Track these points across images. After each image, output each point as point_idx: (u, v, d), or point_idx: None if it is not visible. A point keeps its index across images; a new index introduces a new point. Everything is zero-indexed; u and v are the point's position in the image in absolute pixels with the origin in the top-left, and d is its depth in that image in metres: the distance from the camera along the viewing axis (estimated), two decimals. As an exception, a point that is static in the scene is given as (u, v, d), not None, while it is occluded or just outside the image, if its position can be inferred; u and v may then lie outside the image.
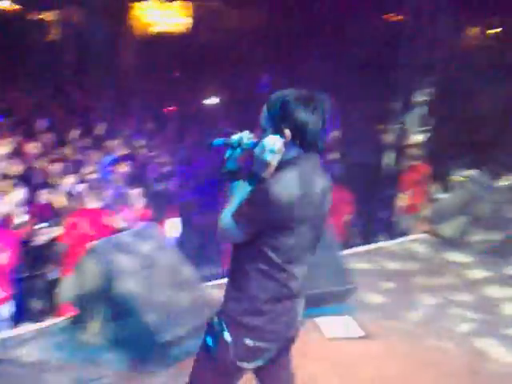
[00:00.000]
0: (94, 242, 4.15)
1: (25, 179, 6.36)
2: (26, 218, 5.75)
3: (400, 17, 10.81)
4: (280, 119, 2.21)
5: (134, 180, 7.08)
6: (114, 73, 12.69)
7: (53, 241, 5.70)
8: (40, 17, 17.24)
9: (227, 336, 2.26)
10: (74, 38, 14.53)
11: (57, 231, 5.68)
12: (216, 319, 2.30)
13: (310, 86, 2.32)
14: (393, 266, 5.98)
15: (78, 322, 3.97)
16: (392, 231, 8.27)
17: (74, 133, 8.74)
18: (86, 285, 3.91)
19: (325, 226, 2.43)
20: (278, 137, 2.20)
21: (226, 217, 2.24)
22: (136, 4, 15.30)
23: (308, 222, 2.26)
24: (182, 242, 6.52)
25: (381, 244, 6.94)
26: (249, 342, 2.25)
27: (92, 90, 12.16)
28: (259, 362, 2.33)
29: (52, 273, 5.68)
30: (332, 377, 3.75)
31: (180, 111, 11.90)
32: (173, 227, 6.73)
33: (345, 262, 4.83)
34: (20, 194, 5.88)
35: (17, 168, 6.70)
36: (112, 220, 5.77)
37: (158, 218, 6.32)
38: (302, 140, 2.22)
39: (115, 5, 14.73)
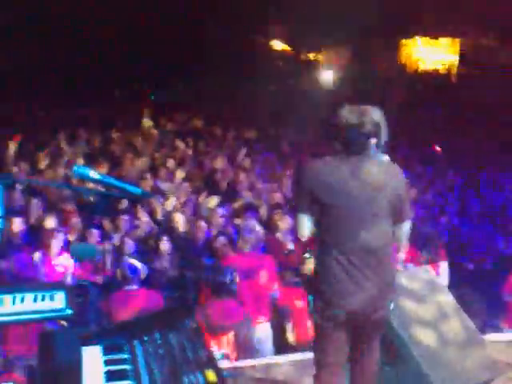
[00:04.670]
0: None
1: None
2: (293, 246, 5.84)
3: None
4: (332, 125, 2.81)
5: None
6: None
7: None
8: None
9: None
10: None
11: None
12: None
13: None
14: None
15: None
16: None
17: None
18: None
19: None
20: None
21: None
22: (405, 41, 15.26)
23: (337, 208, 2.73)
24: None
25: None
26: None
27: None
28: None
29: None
30: None
31: (447, 150, 11.32)
32: (440, 272, 6.23)
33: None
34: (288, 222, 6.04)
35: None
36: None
37: (425, 261, 5.95)
38: (343, 142, 2.76)
39: (384, 42, 14.87)
